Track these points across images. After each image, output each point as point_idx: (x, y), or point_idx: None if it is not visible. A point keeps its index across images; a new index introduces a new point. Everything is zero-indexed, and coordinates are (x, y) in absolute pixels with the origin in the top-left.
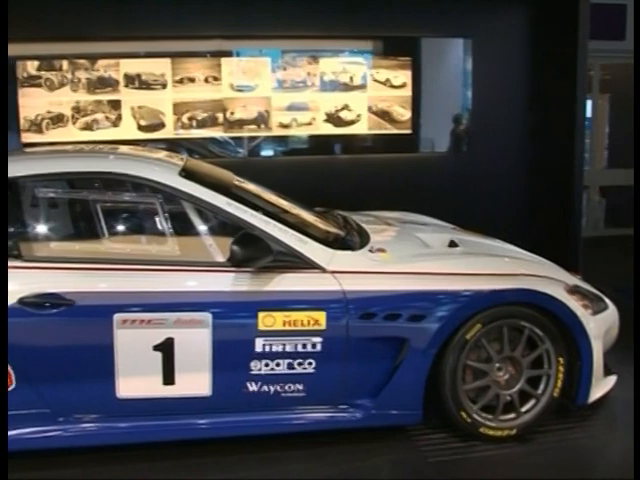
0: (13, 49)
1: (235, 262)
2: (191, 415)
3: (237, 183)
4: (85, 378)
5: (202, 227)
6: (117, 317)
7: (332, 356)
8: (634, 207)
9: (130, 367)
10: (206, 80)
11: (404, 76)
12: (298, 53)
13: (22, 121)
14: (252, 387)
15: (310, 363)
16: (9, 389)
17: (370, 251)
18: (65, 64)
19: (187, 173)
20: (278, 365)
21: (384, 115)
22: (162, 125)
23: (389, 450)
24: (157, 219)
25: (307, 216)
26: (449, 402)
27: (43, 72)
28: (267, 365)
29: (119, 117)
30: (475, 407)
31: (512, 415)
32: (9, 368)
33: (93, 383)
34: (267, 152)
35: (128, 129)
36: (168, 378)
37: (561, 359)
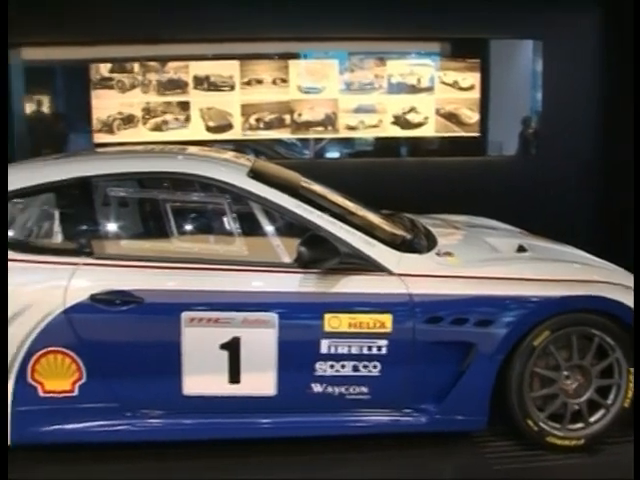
0: (86, 52)
1: (302, 263)
2: (255, 414)
3: (304, 184)
4: (152, 374)
5: (269, 228)
6: (185, 315)
7: (397, 359)
8: (634, 207)
9: (196, 365)
10: (274, 82)
11: (472, 78)
12: (365, 55)
13: (94, 122)
14: (317, 388)
15: (375, 366)
16: (79, 383)
17: (437, 254)
18: (136, 66)
19: (255, 174)
20: (343, 367)
21: (451, 117)
22: (230, 126)
23: (454, 455)
24: (225, 219)
25: (374, 218)
26: (515, 409)
27: (115, 74)
28: (332, 367)
29: (188, 118)
30: (542, 415)
31: (580, 425)
32: (80, 363)
33: (160, 379)
34: (333, 154)
35: (197, 130)
36: (234, 377)
37: (632, 369)
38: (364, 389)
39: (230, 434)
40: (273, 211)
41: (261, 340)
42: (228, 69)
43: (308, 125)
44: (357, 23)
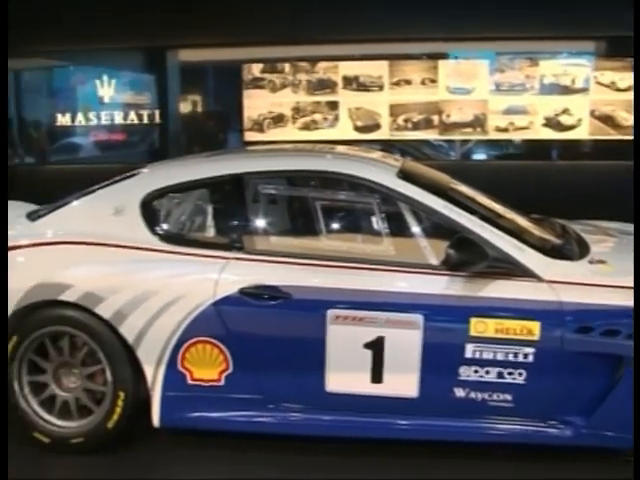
0: (239, 53)
1: (449, 266)
2: (395, 415)
3: (453, 186)
4: (296, 369)
5: (417, 229)
6: (330, 313)
7: (544, 368)
8: (634, 207)
9: (340, 362)
10: (422, 82)
11: (632, 78)
12: (515, 55)
13: (246, 120)
14: (459, 393)
15: (520, 374)
16: (226, 373)
17: (590, 262)
18: (287, 67)
19: (405, 174)
20: (487, 373)
21: (607, 120)
22: (377, 126)
23: (599, 473)
24: (373, 219)
25: (523, 222)
26: None
27: (266, 74)
28: (476, 372)
29: (336, 118)
30: None
31: None
32: (227, 353)
33: (304, 375)
34: (480, 155)
35: (345, 130)
36: (376, 376)
37: None
38: (508, 397)
39: (368, 433)
40: (421, 212)
41: (405, 341)
42: (377, 69)
43: (456, 126)
44: (508, 22)
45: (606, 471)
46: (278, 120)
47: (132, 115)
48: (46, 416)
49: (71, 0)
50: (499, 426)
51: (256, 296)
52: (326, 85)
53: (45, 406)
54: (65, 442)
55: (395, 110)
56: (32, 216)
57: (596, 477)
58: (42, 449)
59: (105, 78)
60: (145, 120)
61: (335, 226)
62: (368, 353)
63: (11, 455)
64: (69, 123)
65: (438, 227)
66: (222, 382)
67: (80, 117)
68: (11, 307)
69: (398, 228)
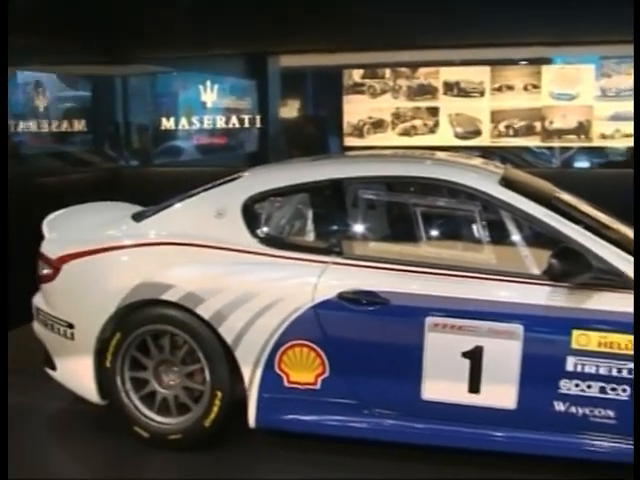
0: (340, 58)
1: (552, 276)
2: (491, 426)
3: (556, 194)
4: (393, 376)
5: (519, 238)
6: (429, 320)
7: None
8: (634, 206)
9: (437, 370)
10: (525, 88)
11: None
12: (622, 59)
13: (345, 126)
14: (559, 406)
15: (624, 390)
16: (322, 377)
17: None
18: (387, 72)
19: (507, 182)
20: (589, 387)
21: None
22: (478, 133)
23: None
24: (473, 226)
25: (629, 233)
26: None
27: (367, 80)
28: (577, 385)
29: (436, 124)
30: None
31: None
32: (324, 357)
33: (400, 381)
34: (583, 163)
35: (444, 136)
36: (474, 386)
37: None
38: (610, 413)
39: (462, 443)
40: (524, 221)
41: (505, 351)
42: (479, 75)
43: (560, 133)
44: (614, 25)
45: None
46: (378, 125)
47: (233, 119)
48: (146, 411)
49: (177, 9)
50: (600, 443)
51: (354, 301)
52: (427, 91)
53: (145, 402)
54: (163, 438)
55: (496, 116)
56: (137, 217)
57: (596, 477)
58: (141, 443)
59: (208, 83)
60: (246, 124)
61: (434, 233)
62: (466, 362)
63: (112, 446)
64: (172, 127)
65: (540, 236)
66: (318, 385)
67: (183, 121)
68: (115, 305)
69: (499, 236)
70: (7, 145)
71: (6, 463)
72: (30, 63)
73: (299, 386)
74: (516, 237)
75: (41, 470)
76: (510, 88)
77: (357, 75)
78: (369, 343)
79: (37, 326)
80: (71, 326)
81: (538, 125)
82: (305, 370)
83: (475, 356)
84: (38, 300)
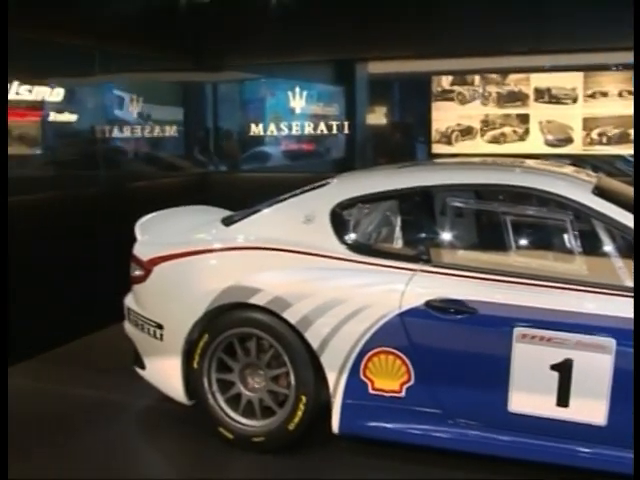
0: (428, 65)
1: None
2: (579, 442)
3: None
4: (479, 386)
5: (612, 248)
6: (517, 331)
7: None
8: (634, 206)
9: (524, 382)
10: (619, 94)
11: None
12: None
13: (433, 133)
14: None
15: None
16: (407, 385)
17: None
18: (477, 79)
19: (600, 191)
20: None
21: None
22: (570, 140)
23: None
24: (564, 236)
25: None
26: None
27: (456, 87)
28: None
29: (527, 131)
30: None
31: None
32: (409, 365)
33: (486, 392)
34: None
35: (535, 143)
36: (562, 400)
37: None
38: None
39: (549, 458)
40: (618, 231)
41: (595, 365)
42: (571, 81)
43: None
44: None
45: None
46: (466, 133)
47: (321, 126)
48: (231, 413)
49: (264, 17)
50: None
51: (442, 309)
52: (517, 97)
53: (231, 404)
54: (247, 440)
55: (589, 123)
56: (226, 221)
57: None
58: (225, 444)
59: (297, 90)
60: (333, 131)
61: (524, 242)
62: (555, 375)
63: (196, 446)
64: (261, 133)
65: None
66: (403, 394)
67: (272, 127)
68: (203, 307)
69: (591, 247)
70: (7, 145)
71: (6, 463)
72: (126, 71)
73: (384, 393)
74: (609, 248)
75: (127, 466)
76: (604, 94)
77: (446, 82)
78: (456, 352)
79: (128, 326)
80: (160, 327)
81: (632, 133)
82: (390, 378)
83: (564, 369)
84: (129, 300)
